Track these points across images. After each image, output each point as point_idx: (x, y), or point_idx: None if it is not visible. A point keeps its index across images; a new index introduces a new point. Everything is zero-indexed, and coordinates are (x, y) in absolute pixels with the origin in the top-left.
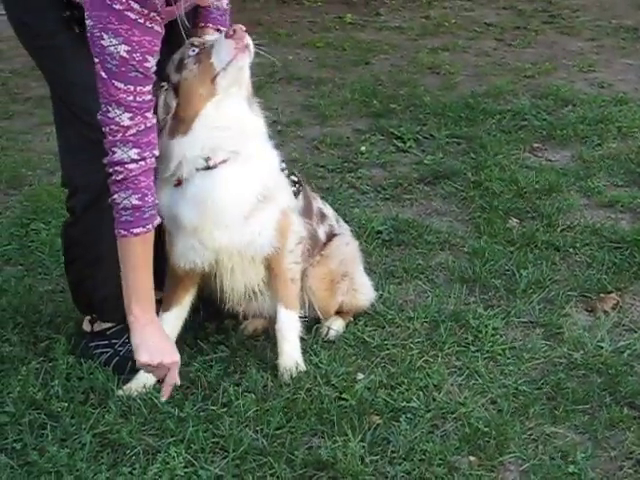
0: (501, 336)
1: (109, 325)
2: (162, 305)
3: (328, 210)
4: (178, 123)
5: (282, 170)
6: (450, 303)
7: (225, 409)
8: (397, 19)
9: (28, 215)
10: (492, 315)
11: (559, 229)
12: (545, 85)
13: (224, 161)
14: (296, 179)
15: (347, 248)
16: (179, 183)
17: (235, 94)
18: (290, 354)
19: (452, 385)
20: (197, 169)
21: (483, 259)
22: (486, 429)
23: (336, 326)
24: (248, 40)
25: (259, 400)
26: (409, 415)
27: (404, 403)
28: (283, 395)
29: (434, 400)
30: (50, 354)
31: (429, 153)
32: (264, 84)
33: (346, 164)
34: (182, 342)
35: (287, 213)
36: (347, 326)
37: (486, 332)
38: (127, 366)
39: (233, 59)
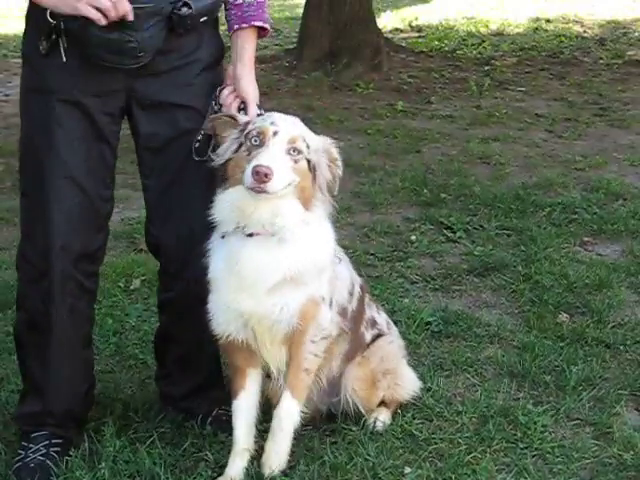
0: (550, 433)
1: None
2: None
3: (381, 317)
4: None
5: (339, 260)
6: (499, 398)
7: None
8: (448, 108)
9: None
10: (541, 412)
11: (609, 325)
12: (596, 178)
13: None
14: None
15: (389, 346)
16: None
17: None
18: (278, 446)
19: None
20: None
21: (533, 354)
22: None
23: (383, 418)
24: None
25: None
26: None
27: None
28: None
29: None
30: (97, 436)
31: (479, 244)
32: None
33: (396, 253)
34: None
35: (316, 302)
36: (394, 418)
37: (535, 429)
38: None
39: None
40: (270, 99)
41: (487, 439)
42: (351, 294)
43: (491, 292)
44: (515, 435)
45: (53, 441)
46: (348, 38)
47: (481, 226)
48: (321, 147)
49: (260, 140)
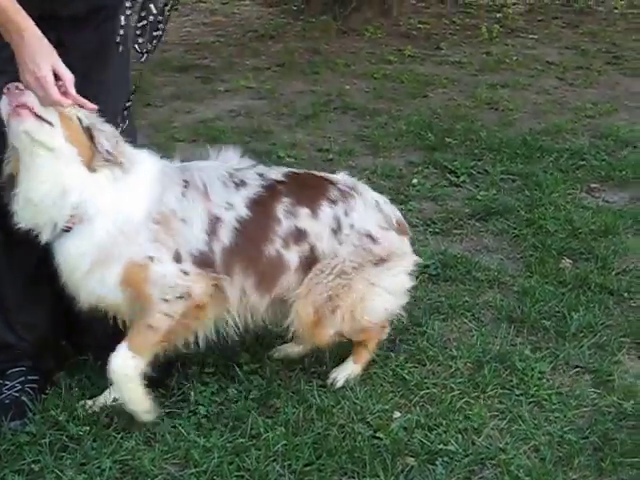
0: (548, 380)
1: None
2: None
3: (320, 223)
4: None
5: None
6: (496, 343)
7: (253, 441)
8: (457, 54)
9: None
10: (539, 358)
11: (614, 272)
12: (605, 125)
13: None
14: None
15: (339, 280)
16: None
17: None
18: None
19: (493, 429)
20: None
21: (533, 299)
22: (527, 478)
23: (345, 372)
24: (25, 99)
25: (289, 434)
26: (446, 459)
27: (441, 446)
28: (315, 430)
29: (473, 444)
30: (76, 374)
31: (482, 189)
32: (319, 112)
33: (397, 196)
34: (216, 369)
35: (140, 264)
36: (386, 362)
37: (532, 375)
38: None
39: (9, 120)
40: (277, 42)
41: (481, 385)
42: (212, 230)
43: (493, 236)
44: (511, 381)
45: (29, 377)
46: None
47: (485, 170)
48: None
49: None
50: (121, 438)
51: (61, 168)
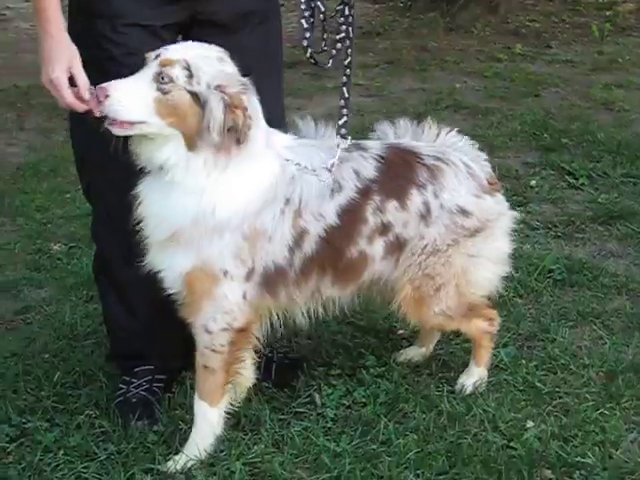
0: None
1: None
2: None
3: (405, 215)
4: None
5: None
6: (628, 352)
7: (384, 448)
8: (568, 53)
9: None
10: None
11: None
12: None
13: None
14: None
15: (434, 258)
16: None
17: None
18: (190, 445)
19: (631, 443)
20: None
21: None
22: None
23: (471, 380)
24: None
25: (421, 441)
26: (583, 472)
27: (578, 458)
28: (447, 438)
29: (611, 458)
30: None
31: (603, 192)
32: (430, 111)
33: (515, 197)
34: (342, 371)
35: (207, 273)
36: (516, 369)
37: None
38: None
39: None
40: (384, 39)
41: (616, 396)
42: (296, 244)
43: (617, 241)
44: None
45: (157, 376)
46: None
47: (605, 173)
48: (218, 84)
49: None
50: (249, 440)
51: (163, 139)
